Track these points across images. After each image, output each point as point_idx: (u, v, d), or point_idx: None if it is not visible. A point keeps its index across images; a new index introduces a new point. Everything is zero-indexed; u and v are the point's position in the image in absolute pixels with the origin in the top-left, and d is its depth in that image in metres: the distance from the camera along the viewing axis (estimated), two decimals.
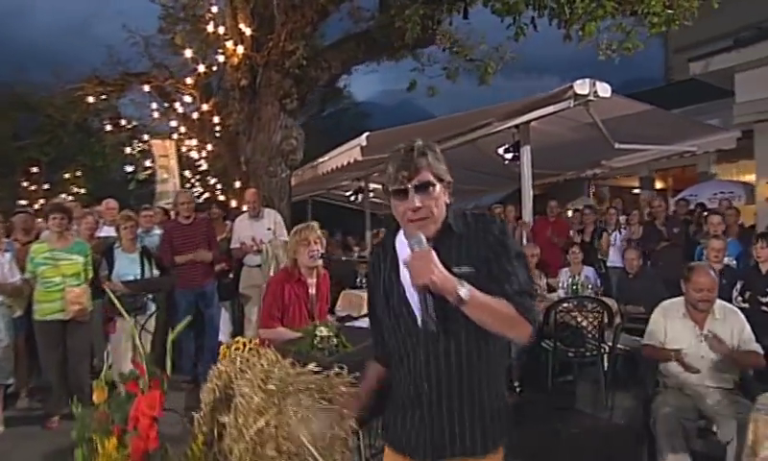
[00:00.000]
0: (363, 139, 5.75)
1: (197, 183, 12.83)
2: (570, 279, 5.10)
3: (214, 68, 8.74)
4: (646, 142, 7.36)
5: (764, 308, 4.04)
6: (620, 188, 12.23)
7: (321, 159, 7.50)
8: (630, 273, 5.07)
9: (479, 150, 7.46)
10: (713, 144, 7.41)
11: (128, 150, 11.11)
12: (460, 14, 6.34)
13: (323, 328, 2.58)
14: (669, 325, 3.04)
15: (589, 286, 5.06)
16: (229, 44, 6.56)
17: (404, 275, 1.49)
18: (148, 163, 10.17)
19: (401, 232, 1.55)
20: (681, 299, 3.06)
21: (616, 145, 7.27)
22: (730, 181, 9.26)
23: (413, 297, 1.47)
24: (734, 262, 4.96)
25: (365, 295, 2.18)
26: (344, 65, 7.35)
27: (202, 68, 8.41)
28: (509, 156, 6.67)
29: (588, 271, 5.35)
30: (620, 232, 6.71)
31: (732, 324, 2.95)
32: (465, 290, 1.34)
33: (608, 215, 7.19)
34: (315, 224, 3.12)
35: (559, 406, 4.33)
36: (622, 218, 7.05)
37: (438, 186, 1.46)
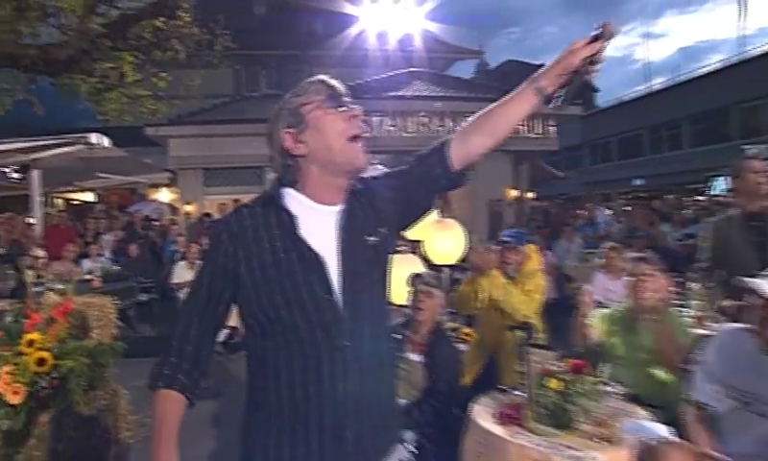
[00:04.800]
0: None
1: None
2: None
3: None
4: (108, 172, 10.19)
5: None
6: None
7: None
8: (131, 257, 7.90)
9: None
10: (158, 179, 11.03)
11: None
12: None
13: None
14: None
15: None
16: None
17: (312, 237, 1.15)
18: None
19: (288, 191, 1.21)
20: None
21: (98, 173, 9.75)
22: (159, 202, 13.19)
23: (330, 265, 1.14)
24: None
25: None
26: None
27: None
28: (16, 175, 7.98)
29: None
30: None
31: None
32: None
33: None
34: None
35: None
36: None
37: None
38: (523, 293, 2.72)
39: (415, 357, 2.49)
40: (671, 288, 2.68)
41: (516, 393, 2.17)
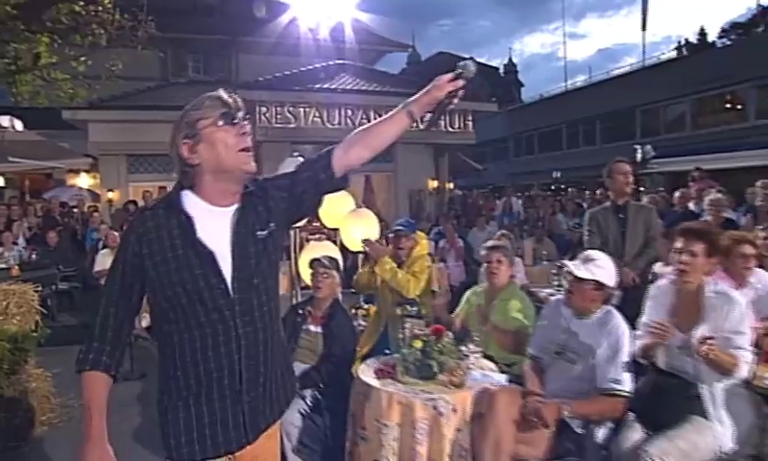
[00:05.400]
0: None
1: None
2: None
3: None
4: (21, 157, 9.78)
5: None
6: None
7: None
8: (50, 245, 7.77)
9: None
10: (76, 164, 10.71)
11: None
12: None
13: None
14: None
15: None
16: None
17: (208, 236, 1.32)
18: None
19: (188, 192, 1.35)
20: None
21: (9, 158, 9.34)
22: (78, 187, 12.71)
23: (224, 259, 1.32)
24: None
25: None
26: None
27: None
28: None
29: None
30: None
31: None
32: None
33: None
34: None
35: None
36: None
37: None
38: (410, 274, 3.24)
39: (316, 329, 2.94)
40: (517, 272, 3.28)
41: (396, 355, 2.68)
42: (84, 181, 13.58)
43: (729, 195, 7.69)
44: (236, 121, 1.33)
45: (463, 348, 2.72)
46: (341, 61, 12.38)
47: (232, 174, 1.35)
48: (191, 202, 1.36)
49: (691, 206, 6.77)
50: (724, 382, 2.32)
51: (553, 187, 24.25)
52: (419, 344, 2.46)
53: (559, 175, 24.96)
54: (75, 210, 10.12)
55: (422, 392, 2.38)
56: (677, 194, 6.88)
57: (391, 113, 1.48)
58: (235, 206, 1.38)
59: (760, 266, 3.54)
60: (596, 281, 2.47)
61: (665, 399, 2.39)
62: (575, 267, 2.49)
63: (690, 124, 19.59)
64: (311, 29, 15.47)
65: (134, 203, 10.06)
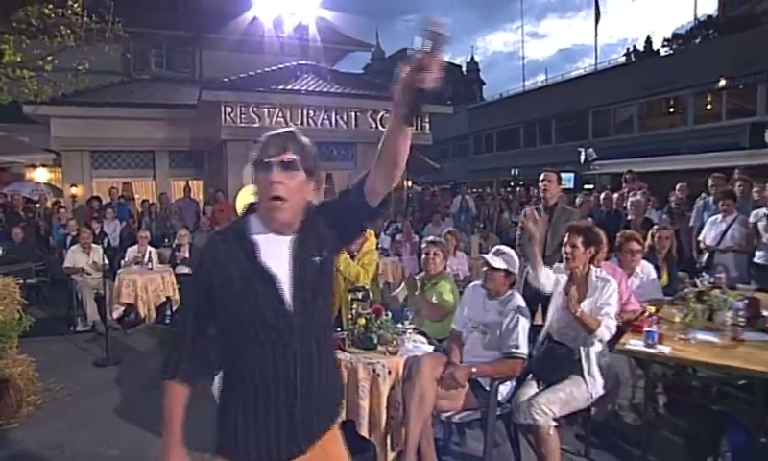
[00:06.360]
0: None
1: None
2: None
3: None
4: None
5: None
6: None
7: None
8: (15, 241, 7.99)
9: None
10: (37, 159, 10.83)
11: None
12: None
13: None
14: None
15: None
16: None
17: (270, 261, 1.45)
18: None
19: (254, 217, 1.50)
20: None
21: None
22: (37, 182, 12.73)
23: (284, 283, 1.45)
24: None
25: None
26: None
27: None
28: None
29: None
30: None
31: None
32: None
33: None
34: None
35: None
36: None
37: (303, 173, 1.43)
38: (360, 265, 3.86)
39: None
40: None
41: (344, 331, 3.30)
42: (42, 175, 13.55)
43: (656, 196, 8.68)
44: (269, 168, 1.40)
45: (400, 325, 3.36)
46: (304, 62, 12.82)
47: (267, 217, 1.47)
48: (257, 228, 1.49)
49: (625, 204, 7.64)
50: (596, 347, 3.04)
51: (512, 184, 25.35)
52: (362, 321, 3.09)
53: (517, 172, 26.09)
54: (36, 206, 10.26)
55: (364, 358, 3.00)
56: (602, 196, 7.74)
57: (386, 129, 1.40)
58: (293, 236, 1.49)
59: (651, 258, 4.36)
60: (506, 270, 3.15)
61: (555, 361, 3.10)
62: (491, 259, 3.16)
63: (638, 126, 20.97)
64: (275, 27, 15.78)
65: (98, 198, 10.26)
